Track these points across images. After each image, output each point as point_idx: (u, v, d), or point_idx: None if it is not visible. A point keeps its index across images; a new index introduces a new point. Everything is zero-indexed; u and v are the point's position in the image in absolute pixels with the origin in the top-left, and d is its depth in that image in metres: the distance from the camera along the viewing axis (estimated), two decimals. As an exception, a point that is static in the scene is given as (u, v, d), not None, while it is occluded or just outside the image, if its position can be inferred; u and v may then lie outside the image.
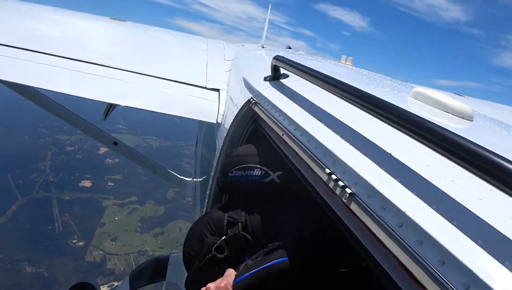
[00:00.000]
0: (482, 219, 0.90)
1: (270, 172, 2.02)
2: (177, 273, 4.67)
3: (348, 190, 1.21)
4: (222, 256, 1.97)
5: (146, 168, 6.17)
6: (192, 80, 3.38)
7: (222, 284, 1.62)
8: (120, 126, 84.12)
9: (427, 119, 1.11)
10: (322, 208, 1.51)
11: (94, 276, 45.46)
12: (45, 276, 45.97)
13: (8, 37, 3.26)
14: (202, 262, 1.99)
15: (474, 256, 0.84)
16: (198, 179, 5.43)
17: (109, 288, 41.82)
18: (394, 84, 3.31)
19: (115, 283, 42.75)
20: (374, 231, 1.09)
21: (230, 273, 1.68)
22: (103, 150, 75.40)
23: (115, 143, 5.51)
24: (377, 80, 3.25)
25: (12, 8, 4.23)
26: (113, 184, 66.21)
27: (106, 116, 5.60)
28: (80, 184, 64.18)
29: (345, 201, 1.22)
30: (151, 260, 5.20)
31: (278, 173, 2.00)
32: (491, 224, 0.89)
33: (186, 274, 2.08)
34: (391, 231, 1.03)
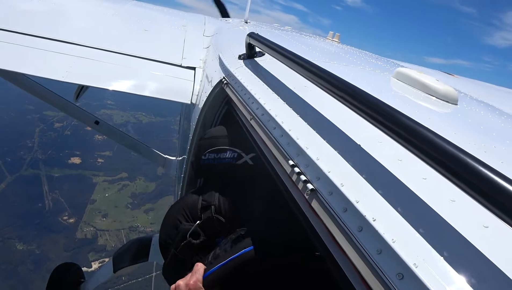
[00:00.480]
0: (449, 225, 0.82)
1: (243, 154, 1.98)
2: (159, 254, 4.63)
3: (310, 186, 1.12)
4: (197, 241, 1.92)
5: (129, 147, 6.02)
6: (166, 58, 3.23)
7: (192, 281, 1.56)
8: (109, 102, 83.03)
9: (399, 111, 1.01)
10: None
11: (85, 252, 45.84)
12: (36, 253, 46.15)
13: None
14: (177, 249, 1.95)
15: (436, 272, 0.75)
16: (178, 158, 5.33)
17: (100, 264, 42.24)
18: (379, 62, 3.20)
19: (106, 259, 43.16)
20: (333, 233, 1.01)
21: (199, 268, 1.62)
22: (92, 126, 74.81)
23: (97, 122, 5.35)
24: (361, 59, 3.14)
25: None
26: (102, 161, 65.90)
27: (77, 97, 5.41)
28: (70, 161, 63.74)
29: (306, 197, 1.13)
30: (133, 241, 5.16)
31: (251, 155, 1.96)
32: (458, 229, 0.80)
33: None
34: (351, 235, 0.94)
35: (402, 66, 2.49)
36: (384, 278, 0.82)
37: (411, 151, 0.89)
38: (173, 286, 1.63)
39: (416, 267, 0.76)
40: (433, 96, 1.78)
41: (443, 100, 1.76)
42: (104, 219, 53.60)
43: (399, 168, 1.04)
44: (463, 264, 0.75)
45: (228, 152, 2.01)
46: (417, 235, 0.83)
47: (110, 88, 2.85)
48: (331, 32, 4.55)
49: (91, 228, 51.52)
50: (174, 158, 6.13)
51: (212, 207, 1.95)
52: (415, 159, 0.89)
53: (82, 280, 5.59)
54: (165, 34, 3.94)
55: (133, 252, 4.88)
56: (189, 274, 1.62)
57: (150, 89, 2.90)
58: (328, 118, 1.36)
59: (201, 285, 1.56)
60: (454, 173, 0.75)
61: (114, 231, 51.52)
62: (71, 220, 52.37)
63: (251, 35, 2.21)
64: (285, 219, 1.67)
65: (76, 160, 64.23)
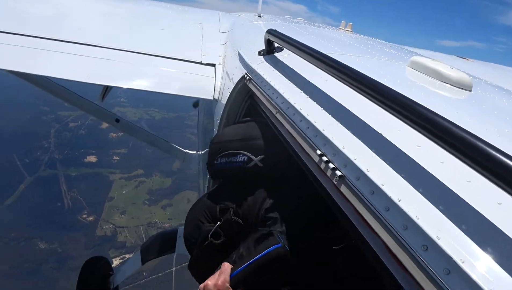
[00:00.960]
0: (468, 204, 0.94)
1: (253, 157, 2.04)
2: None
3: (338, 173, 1.25)
4: (218, 242, 2.04)
5: (149, 143, 6.22)
6: (187, 56, 3.36)
7: (220, 281, 1.67)
8: (122, 99, 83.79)
9: (417, 102, 1.11)
10: (308, 188, 1.55)
11: (106, 249, 46.66)
12: (58, 252, 47.22)
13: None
14: (201, 249, 2.08)
15: (457, 242, 0.87)
16: (201, 152, 5.48)
17: (121, 260, 42.95)
18: (393, 51, 3.28)
19: (127, 255, 43.97)
20: (362, 214, 1.13)
21: (226, 268, 1.72)
22: (105, 124, 75.57)
23: (117, 120, 5.54)
24: (376, 49, 3.22)
25: None
26: (118, 158, 66.72)
27: (103, 97, 5.59)
28: (86, 160, 64.79)
29: (335, 183, 1.25)
30: (160, 234, 5.37)
31: (260, 157, 2.03)
32: (476, 208, 0.92)
33: None
34: (378, 215, 1.07)
35: (416, 54, 2.57)
36: (411, 250, 0.95)
37: (428, 138, 1.00)
38: (201, 285, 1.75)
39: (438, 239, 0.88)
40: (447, 83, 1.86)
41: (458, 87, 1.85)
42: (122, 216, 54.46)
43: (419, 153, 1.15)
44: (481, 238, 0.87)
45: (239, 156, 2.08)
46: (437, 211, 0.95)
47: (133, 87, 3.02)
48: (343, 22, 4.61)
49: (110, 225, 52.41)
50: (194, 152, 6.30)
51: (231, 209, 2.06)
52: (433, 145, 1.00)
53: (111, 273, 5.82)
54: (183, 32, 4.07)
55: (160, 245, 5.09)
56: (217, 273, 1.73)
57: (173, 87, 3.05)
58: (349, 109, 1.46)
59: (228, 285, 1.66)
60: (467, 156, 0.87)
61: (133, 227, 52.31)
62: (90, 218, 53.36)
63: (270, 31, 2.32)
64: (301, 214, 1.79)
65: (92, 159, 65.23)
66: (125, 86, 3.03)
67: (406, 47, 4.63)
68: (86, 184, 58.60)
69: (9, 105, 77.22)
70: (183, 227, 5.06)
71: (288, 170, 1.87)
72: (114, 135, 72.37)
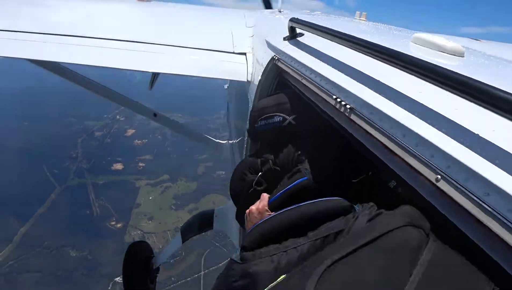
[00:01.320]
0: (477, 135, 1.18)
1: (287, 117, 2.51)
2: (223, 222, 5.41)
3: (348, 106, 1.76)
4: (261, 188, 2.52)
5: (184, 135, 6.87)
6: (221, 47, 3.96)
7: (260, 206, 2.16)
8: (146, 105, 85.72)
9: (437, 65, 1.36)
10: (331, 136, 2.08)
11: (135, 255, 47.86)
12: (89, 259, 48.82)
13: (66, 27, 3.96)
14: (246, 197, 2.55)
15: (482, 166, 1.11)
16: (234, 141, 6.07)
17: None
18: (401, 33, 3.79)
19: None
20: (393, 150, 1.44)
21: (265, 197, 2.22)
22: (130, 131, 77.63)
23: (155, 115, 6.18)
24: (386, 31, 3.75)
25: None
26: (144, 165, 68.46)
27: (152, 85, 6.32)
28: (112, 168, 66.87)
29: (347, 114, 1.76)
30: (197, 215, 5.95)
31: (292, 116, 2.51)
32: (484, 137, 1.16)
33: (230, 223, 2.63)
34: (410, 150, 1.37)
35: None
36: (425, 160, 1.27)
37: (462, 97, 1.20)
38: (247, 211, 2.23)
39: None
40: (443, 52, 2.31)
41: (452, 54, 2.30)
42: (150, 222, 55.75)
43: (456, 116, 1.32)
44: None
45: (275, 117, 2.53)
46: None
47: (178, 73, 3.70)
48: (357, 12, 5.01)
49: (138, 232, 53.73)
50: (225, 142, 6.94)
51: (270, 161, 2.55)
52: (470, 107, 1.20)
53: (152, 255, 6.44)
54: (214, 28, 4.69)
55: (199, 223, 5.68)
56: (258, 201, 2.22)
57: (213, 73, 3.66)
58: (359, 69, 1.92)
59: (267, 208, 2.14)
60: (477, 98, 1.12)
61: (161, 233, 53.45)
62: (119, 225, 54.88)
63: (293, 19, 2.86)
64: (325, 155, 2.27)
65: (118, 166, 67.10)
66: (172, 72, 3.67)
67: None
68: (114, 192, 60.30)
69: (38, 118, 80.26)
70: (219, 208, 5.66)
71: (315, 125, 2.39)
72: (139, 142, 74.21)
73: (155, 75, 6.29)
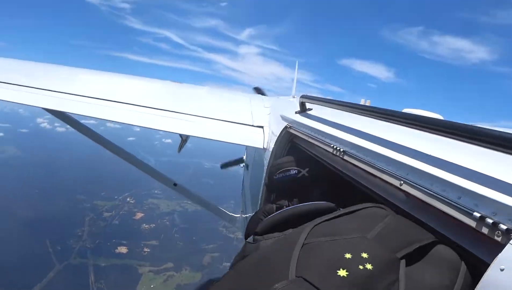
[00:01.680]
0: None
1: (301, 170, 2.96)
2: None
3: (341, 149, 2.34)
4: None
5: (201, 205, 7.45)
6: (242, 120, 4.71)
7: None
8: (156, 191, 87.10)
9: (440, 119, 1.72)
10: (336, 179, 2.61)
11: None
12: None
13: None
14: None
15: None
16: (248, 215, 6.60)
17: None
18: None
19: None
20: (376, 177, 1.98)
21: None
22: (139, 215, 77.88)
23: (175, 184, 6.80)
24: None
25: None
26: (149, 250, 67.40)
27: (180, 149, 7.09)
28: (117, 251, 65.73)
29: (341, 157, 2.33)
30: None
31: (306, 169, 2.97)
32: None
33: None
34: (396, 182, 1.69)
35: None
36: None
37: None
38: None
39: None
40: None
41: None
42: (148, 312, 53.72)
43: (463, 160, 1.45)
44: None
45: (291, 171, 2.96)
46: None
47: (205, 137, 4.41)
48: (362, 100, 5.72)
49: (135, 322, 51.62)
50: (238, 215, 7.49)
51: (284, 206, 2.77)
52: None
53: None
54: (237, 106, 5.50)
55: None
56: None
57: (234, 138, 4.38)
58: (377, 136, 2.16)
59: None
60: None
61: (158, 325, 51.24)
62: (115, 313, 52.93)
63: (303, 96, 3.58)
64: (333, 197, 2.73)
65: (123, 249, 66.07)
66: (200, 136, 4.40)
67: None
68: (115, 276, 58.78)
69: (49, 190, 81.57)
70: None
71: (323, 174, 2.91)
72: (146, 226, 74.03)
73: (183, 140, 7.11)
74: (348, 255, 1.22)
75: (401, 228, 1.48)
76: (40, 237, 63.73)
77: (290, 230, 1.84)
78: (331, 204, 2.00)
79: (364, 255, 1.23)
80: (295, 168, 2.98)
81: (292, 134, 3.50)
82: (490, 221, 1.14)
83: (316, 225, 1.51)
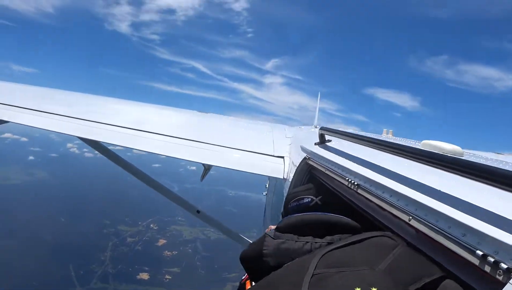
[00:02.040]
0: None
1: (314, 198, 2.96)
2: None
3: (355, 182, 2.44)
4: None
5: (223, 233, 7.57)
6: (263, 151, 4.87)
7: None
8: (179, 218, 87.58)
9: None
10: (348, 209, 2.71)
11: None
12: None
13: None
14: None
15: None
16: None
17: None
18: (415, 142, 4.51)
19: None
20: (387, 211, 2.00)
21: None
22: (161, 242, 78.15)
23: (198, 211, 6.95)
24: (404, 141, 4.48)
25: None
26: (170, 278, 67.45)
27: (203, 178, 7.26)
28: (138, 277, 66.14)
29: (355, 189, 2.44)
30: None
31: (319, 197, 2.96)
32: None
33: None
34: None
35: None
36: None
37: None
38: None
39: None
40: (444, 152, 2.65)
41: (452, 155, 2.62)
42: (167, 340, 53.19)
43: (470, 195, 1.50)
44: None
45: (305, 199, 2.97)
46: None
47: (230, 167, 4.57)
48: (384, 130, 5.71)
49: None
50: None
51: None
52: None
53: None
54: (259, 137, 5.68)
55: None
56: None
57: (255, 168, 4.53)
58: (391, 170, 2.14)
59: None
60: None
61: None
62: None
63: (322, 128, 3.71)
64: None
65: (144, 276, 66.25)
66: (223, 165, 4.58)
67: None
68: (135, 303, 59.02)
69: (73, 215, 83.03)
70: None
71: (336, 205, 3.01)
72: (169, 253, 74.10)
73: (206, 169, 7.29)
74: (357, 289, 1.24)
75: (410, 261, 1.50)
76: (64, 260, 64.76)
77: (310, 238, 1.97)
78: (354, 223, 2.10)
79: (374, 289, 1.24)
80: (309, 196, 3.01)
81: (310, 165, 3.61)
82: (491, 259, 1.16)
83: (326, 253, 1.55)
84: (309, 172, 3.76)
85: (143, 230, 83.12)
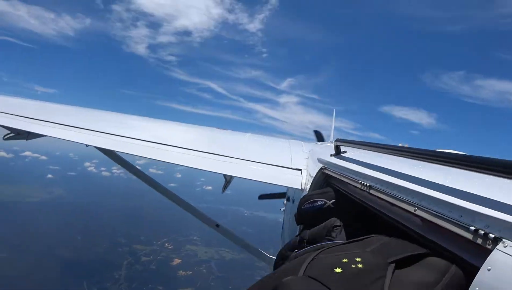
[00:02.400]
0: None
1: (327, 201, 3.11)
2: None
3: (367, 183, 2.65)
4: None
5: (242, 247, 7.76)
6: (282, 163, 5.12)
7: None
8: (195, 238, 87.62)
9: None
10: (361, 211, 2.91)
11: None
12: None
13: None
14: None
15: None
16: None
17: None
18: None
19: None
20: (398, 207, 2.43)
21: None
22: (176, 261, 78.02)
23: (217, 225, 7.18)
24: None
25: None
26: (183, 298, 67.15)
27: (224, 189, 7.53)
28: (152, 296, 65.91)
29: (368, 191, 2.64)
30: None
31: (332, 201, 3.12)
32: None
33: None
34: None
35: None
36: None
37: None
38: None
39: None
40: None
41: None
42: None
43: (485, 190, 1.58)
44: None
45: (318, 201, 3.11)
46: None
47: (250, 178, 4.83)
48: (400, 144, 5.86)
49: None
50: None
51: (305, 240, 2.91)
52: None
53: None
54: (278, 151, 5.95)
55: None
56: None
57: (274, 179, 4.77)
58: (398, 171, 2.33)
59: None
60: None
61: None
62: None
63: (337, 139, 3.93)
64: (354, 228, 2.75)
65: (158, 295, 66.14)
66: (243, 176, 4.83)
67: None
68: (147, 323, 58.79)
69: (89, 233, 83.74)
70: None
71: (348, 207, 2.97)
72: (183, 273, 73.88)
73: (227, 181, 7.58)
74: (344, 260, 1.50)
75: (398, 244, 1.73)
76: (79, 277, 65.27)
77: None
78: None
79: (358, 259, 1.49)
80: (323, 199, 3.14)
81: (327, 174, 3.81)
82: (482, 232, 1.34)
83: (328, 248, 1.79)
84: (325, 181, 3.95)
85: (158, 249, 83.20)
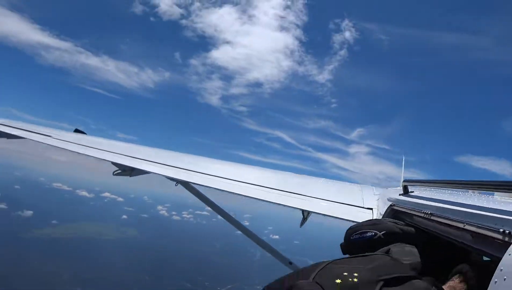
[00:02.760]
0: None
1: (378, 232, 3.13)
2: None
3: (429, 212, 3.13)
4: None
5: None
6: (354, 203, 5.66)
7: None
8: (258, 287, 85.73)
9: None
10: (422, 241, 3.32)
11: None
12: None
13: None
14: None
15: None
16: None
17: None
18: None
19: None
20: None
21: None
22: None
23: (290, 263, 7.47)
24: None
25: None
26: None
27: (302, 224, 8.06)
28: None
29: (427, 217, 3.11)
30: None
31: (383, 232, 3.15)
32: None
33: None
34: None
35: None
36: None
37: None
38: None
39: None
40: None
41: None
42: None
43: None
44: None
45: (368, 233, 3.11)
46: None
47: (325, 213, 5.45)
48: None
49: None
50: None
51: None
52: None
53: None
54: (350, 192, 6.48)
55: None
56: None
57: (347, 216, 5.28)
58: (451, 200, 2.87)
59: None
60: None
61: None
62: None
63: (405, 180, 4.36)
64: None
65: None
66: (321, 212, 5.45)
67: None
68: None
69: (157, 276, 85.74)
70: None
71: (399, 239, 3.00)
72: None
73: (305, 218, 8.11)
74: (345, 273, 1.75)
75: (391, 265, 2.01)
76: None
77: None
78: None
79: (355, 274, 1.75)
80: (372, 230, 3.14)
81: (395, 210, 4.24)
82: (507, 231, 1.72)
83: (338, 259, 2.11)
84: (393, 217, 4.39)
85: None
